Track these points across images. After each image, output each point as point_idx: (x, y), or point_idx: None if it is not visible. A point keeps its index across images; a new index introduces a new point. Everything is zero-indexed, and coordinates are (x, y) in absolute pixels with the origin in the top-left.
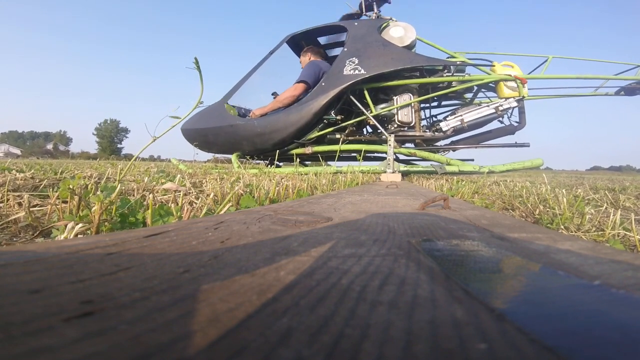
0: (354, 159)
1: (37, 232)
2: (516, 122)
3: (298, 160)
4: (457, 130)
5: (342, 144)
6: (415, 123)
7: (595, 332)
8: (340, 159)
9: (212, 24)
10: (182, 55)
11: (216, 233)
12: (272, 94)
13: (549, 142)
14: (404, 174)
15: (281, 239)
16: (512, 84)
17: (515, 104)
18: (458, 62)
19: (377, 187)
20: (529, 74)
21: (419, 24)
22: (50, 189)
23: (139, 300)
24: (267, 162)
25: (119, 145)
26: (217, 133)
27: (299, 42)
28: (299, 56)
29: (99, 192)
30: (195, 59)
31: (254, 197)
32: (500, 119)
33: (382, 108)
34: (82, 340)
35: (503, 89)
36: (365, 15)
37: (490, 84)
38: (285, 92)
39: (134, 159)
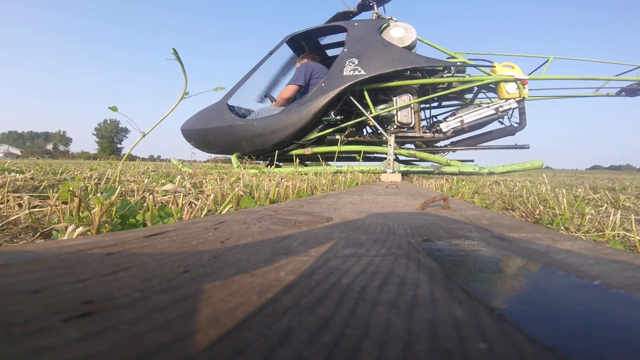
0: (354, 159)
1: (38, 234)
2: (516, 122)
3: (298, 160)
4: (457, 131)
5: (341, 144)
6: (415, 124)
7: (595, 332)
8: (340, 159)
9: (213, 25)
10: (183, 55)
11: (216, 233)
12: (266, 96)
13: (549, 142)
14: (404, 174)
15: (281, 239)
16: (513, 84)
17: (515, 104)
18: (458, 63)
19: (377, 187)
20: (529, 74)
21: (419, 24)
22: (50, 190)
23: (139, 300)
24: (267, 162)
25: (118, 146)
26: (216, 133)
27: (299, 42)
28: (299, 56)
29: (99, 194)
30: (174, 49)
31: (253, 197)
32: (501, 119)
33: (382, 109)
34: (82, 340)
35: (503, 90)
36: (358, 12)
37: (491, 85)
38: (278, 95)
39: (125, 156)
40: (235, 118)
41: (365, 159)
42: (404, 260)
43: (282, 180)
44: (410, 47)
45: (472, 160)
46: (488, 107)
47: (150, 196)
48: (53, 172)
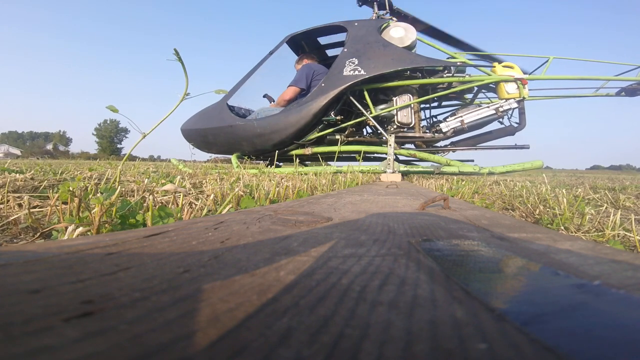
0: (354, 159)
1: (38, 234)
2: (516, 123)
3: (298, 160)
4: (457, 131)
5: (341, 144)
6: (414, 124)
7: (595, 332)
8: (340, 159)
9: (213, 25)
10: (183, 55)
11: (216, 233)
12: (264, 96)
13: (549, 142)
14: (404, 174)
15: (281, 239)
16: (513, 84)
17: (515, 105)
18: (458, 63)
19: (377, 187)
20: (529, 74)
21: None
22: (50, 190)
23: (139, 300)
24: (267, 162)
25: (118, 146)
26: (216, 133)
27: (299, 42)
28: (298, 56)
29: (99, 194)
30: (175, 50)
31: (253, 197)
32: (501, 119)
33: (382, 109)
34: (82, 340)
35: (503, 90)
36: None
37: (491, 85)
38: (279, 97)
39: (126, 156)
40: (235, 118)
41: (365, 159)
42: (404, 260)
43: (282, 180)
44: (410, 47)
45: (472, 160)
46: (488, 107)
47: (150, 196)
48: (53, 172)
